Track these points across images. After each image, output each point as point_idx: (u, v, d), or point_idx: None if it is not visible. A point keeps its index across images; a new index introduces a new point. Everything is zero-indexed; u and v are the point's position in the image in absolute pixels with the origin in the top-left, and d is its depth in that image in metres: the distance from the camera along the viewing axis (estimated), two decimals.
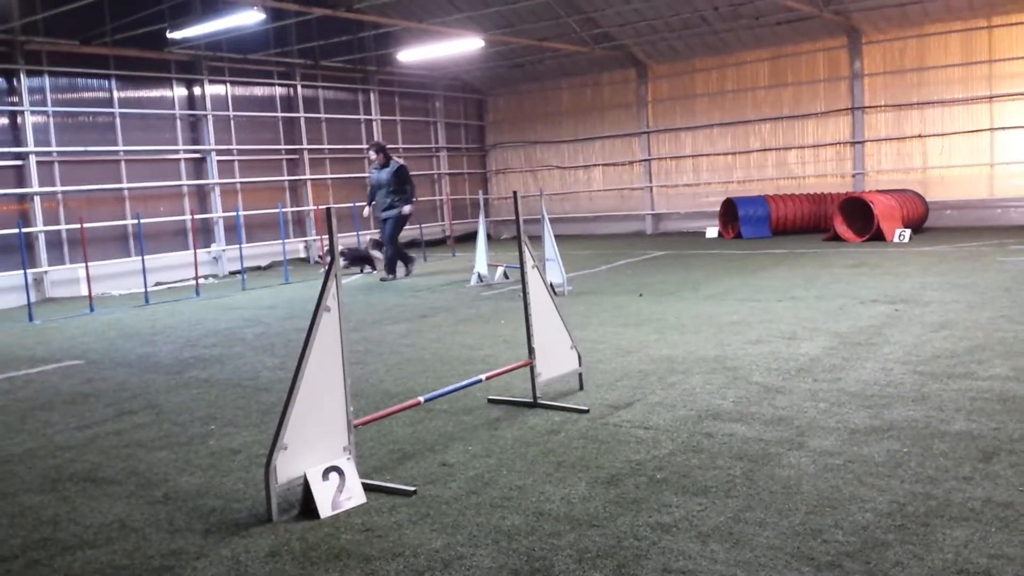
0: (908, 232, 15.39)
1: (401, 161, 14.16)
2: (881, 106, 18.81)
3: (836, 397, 5.34)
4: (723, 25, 19.03)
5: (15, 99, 14.64)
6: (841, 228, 16.21)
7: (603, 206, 23.03)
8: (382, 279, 14.12)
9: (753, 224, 18.14)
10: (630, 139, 22.43)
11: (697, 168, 21.49)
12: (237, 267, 16.22)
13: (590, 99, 23.07)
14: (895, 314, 8.13)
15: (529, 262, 5.59)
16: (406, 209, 13.75)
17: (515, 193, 5.73)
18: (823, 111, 19.51)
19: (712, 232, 19.21)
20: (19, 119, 14.68)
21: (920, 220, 17.13)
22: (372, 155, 14.24)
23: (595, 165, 23.09)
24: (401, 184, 13.71)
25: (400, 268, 14.39)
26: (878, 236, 15.47)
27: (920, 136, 18.39)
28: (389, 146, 20.19)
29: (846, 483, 3.90)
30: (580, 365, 5.94)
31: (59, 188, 15.22)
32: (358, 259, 15.74)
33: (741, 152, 20.76)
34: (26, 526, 4.03)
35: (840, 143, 19.42)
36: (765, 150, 20.43)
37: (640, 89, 22.04)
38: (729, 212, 18.65)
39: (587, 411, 5.35)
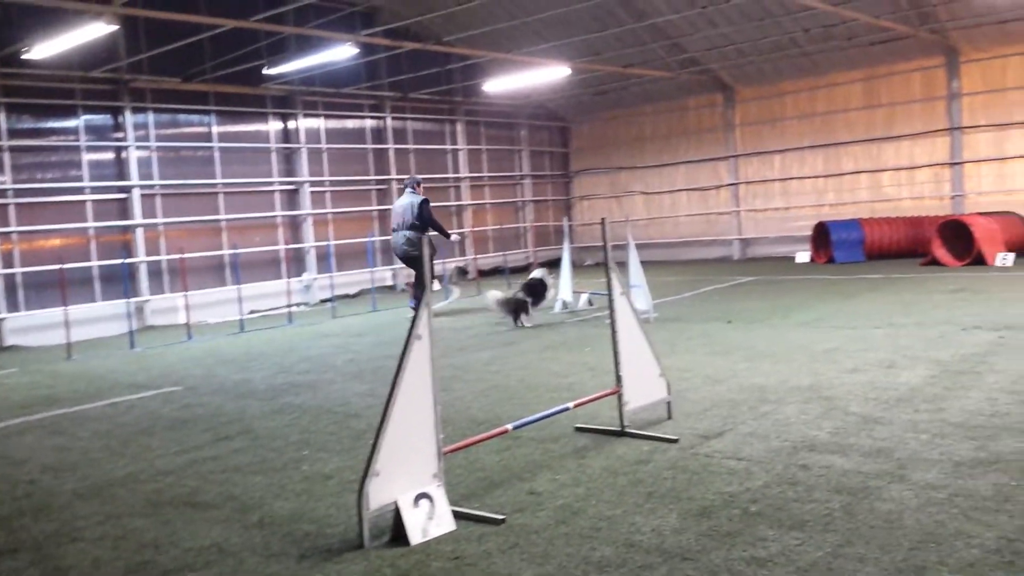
0: (1011, 256, 14.75)
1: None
2: (981, 126, 18.13)
3: (939, 428, 5.12)
4: (814, 47, 18.70)
5: (121, 135, 15.38)
6: (940, 252, 15.63)
7: (689, 231, 22.77)
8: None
9: (846, 248, 17.66)
10: (716, 163, 22.16)
11: (787, 192, 21.07)
12: (327, 295, 16.60)
13: (675, 124, 22.92)
14: (999, 341, 7.78)
15: (617, 289, 5.56)
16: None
17: (603, 220, 5.70)
18: (919, 132, 18.92)
19: (803, 257, 18.77)
20: (124, 154, 15.41)
21: None
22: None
23: (681, 190, 22.88)
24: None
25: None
26: (979, 260, 14.87)
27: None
28: (488, 174, 20.42)
29: (951, 518, 3.73)
30: (669, 394, 5.85)
31: (160, 220, 15.88)
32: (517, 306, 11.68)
33: (833, 175, 20.28)
34: (128, 548, 4.16)
35: (938, 164, 18.78)
36: (858, 172, 19.90)
37: (727, 113, 21.80)
38: (821, 236, 18.21)
39: (676, 441, 5.26)
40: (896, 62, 18.95)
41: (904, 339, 8.27)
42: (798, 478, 4.42)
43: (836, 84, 20.03)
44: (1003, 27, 16.85)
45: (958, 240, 15.52)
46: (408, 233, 12.33)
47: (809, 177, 20.62)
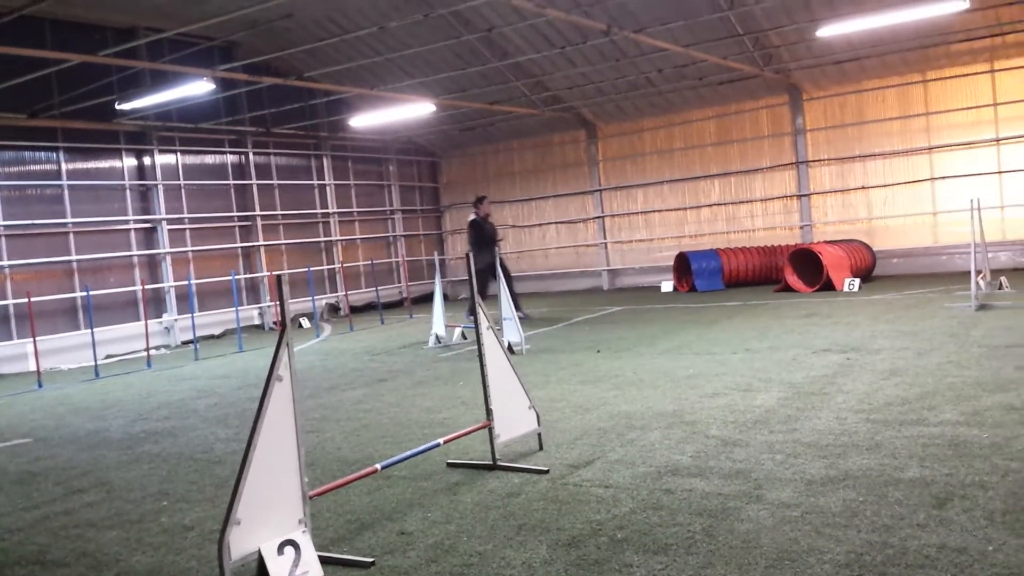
0: (857, 281, 15.71)
1: (471, 216, 14.95)
2: (824, 160, 19.36)
3: (792, 448, 5.38)
4: (668, 86, 19.52)
5: None
6: (792, 279, 16.49)
7: (559, 263, 23.21)
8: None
9: (706, 277, 18.39)
10: (583, 197, 22.73)
11: (650, 224, 21.82)
12: (190, 336, 15.98)
13: (542, 159, 23.41)
14: (847, 363, 8.26)
15: (484, 323, 5.60)
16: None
17: (467, 255, 5.76)
18: (769, 166, 20.01)
19: (667, 286, 19.42)
20: None
21: (868, 269, 17.51)
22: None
23: (549, 223, 23.34)
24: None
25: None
26: (828, 286, 15.76)
27: (864, 188, 18.91)
28: (357, 210, 20.27)
29: (804, 535, 3.92)
30: (539, 425, 5.92)
31: (6, 263, 14.94)
32: None
33: (692, 207, 21.15)
34: None
35: (787, 196, 19.89)
36: (715, 205, 20.83)
37: (591, 149, 22.43)
38: (683, 266, 18.90)
39: (547, 471, 5.31)
40: (745, 100, 20.02)
41: (759, 363, 8.66)
42: (662, 502, 4.55)
43: (691, 121, 20.97)
44: (840, 67, 18.10)
45: (808, 267, 16.43)
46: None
47: (671, 210, 21.42)
